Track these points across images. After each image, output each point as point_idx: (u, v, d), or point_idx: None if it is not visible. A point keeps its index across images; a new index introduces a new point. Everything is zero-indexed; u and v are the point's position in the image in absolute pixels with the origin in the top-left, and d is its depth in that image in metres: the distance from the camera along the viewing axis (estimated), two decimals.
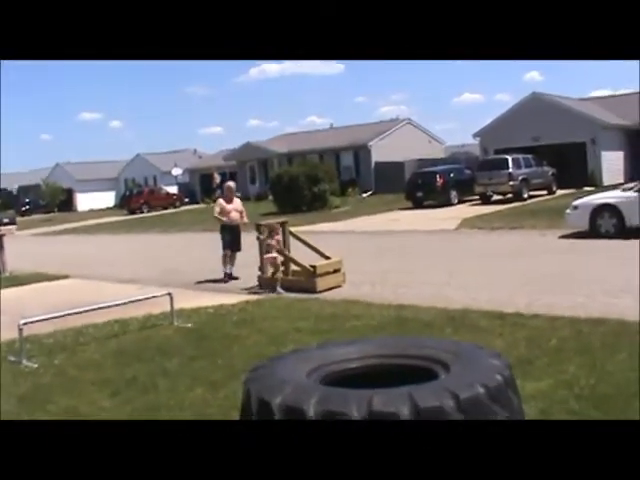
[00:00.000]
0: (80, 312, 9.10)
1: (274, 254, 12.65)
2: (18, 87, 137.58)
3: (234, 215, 14.36)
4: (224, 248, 14.28)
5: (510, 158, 31.61)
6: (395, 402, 3.48)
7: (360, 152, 49.35)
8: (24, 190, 74.29)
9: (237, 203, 14.76)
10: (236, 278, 14.00)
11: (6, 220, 18.66)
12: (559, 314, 8.77)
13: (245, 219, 14.72)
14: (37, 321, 8.57)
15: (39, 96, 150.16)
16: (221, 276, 14.22)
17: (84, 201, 71.43)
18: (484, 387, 3.67)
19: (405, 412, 3.44)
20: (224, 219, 14.25)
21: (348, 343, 4.87)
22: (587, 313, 8.73)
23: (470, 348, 4.43)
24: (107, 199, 71.91)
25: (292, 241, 13.66)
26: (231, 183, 15.43)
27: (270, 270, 12.75)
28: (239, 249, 14.47)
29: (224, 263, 14.26)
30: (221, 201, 14.73)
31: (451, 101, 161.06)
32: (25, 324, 8.21)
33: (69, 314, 9.01)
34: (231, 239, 14.23)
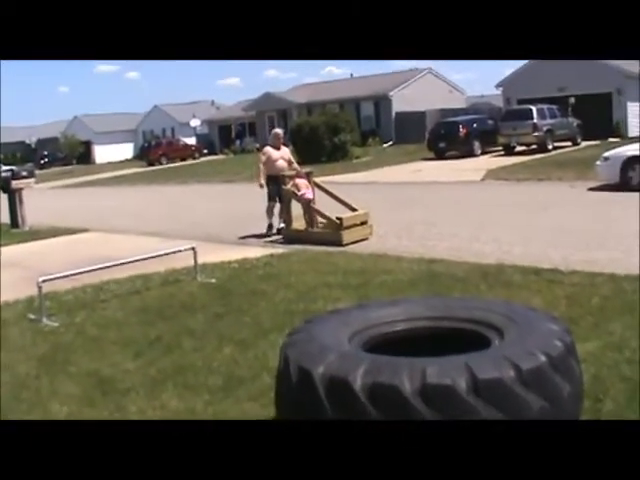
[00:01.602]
0: (101, 268, 8.80)
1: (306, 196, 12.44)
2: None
3: (281, 164, 13.37)
4: (270, 199, 13.41)
5: (535, 108, 30.96)
6: (451, 373, 3.20)
7: (381, 102, 48.88)
8: (42, 143, 74.06)
9: (285, 151, 13.76)
10: (279, 230, 13.26)
11: (24, 173, 18.29)
12: (597, 270, 8.39)
13: (296, 166, 13.82)
14: (57, 278, 8.28)
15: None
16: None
17: (102, 153, 71.32)
18: (546, 356, 3.36)
19: (462, 384, 3.15)
20: (262, 178, 13.38)
21: (390, 303, 4.57)
22: (626, 269, 8.33)
23: (523, 311, 4.11)
24: (125, 151, 71.77)
25: (317, 192, 13.28)
26: (279, 130, 14.38)
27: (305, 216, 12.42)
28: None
29: (269, 215, 13.44)
30: (269, 149, 13.57)
31: None
32: (44, 281, 7.92)
33: (89, 270, 8.70)
34: (278, 189, 13.13)
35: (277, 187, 13.11)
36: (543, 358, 3.33)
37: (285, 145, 14.04)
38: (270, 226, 13.40)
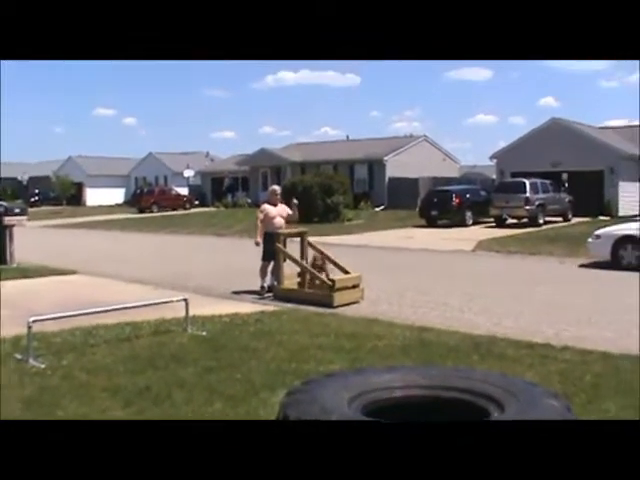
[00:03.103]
0: (92, 312, 8.75)
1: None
2: (35, 80, 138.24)
3: (278, 221, 13.19)
4: (264, 258, 13.10)
5: (528, 182, 31.28)
6: None
7: (375, 166, 49.26)
8: (34, 181, 74.08)
9: (282, 208, 13.53)
10: (269, 288, 13.05)
11: (17, 210, 18.31)
12: (589, 347, 8.42)
13: (293, 215, 13.60)
14: (48, 319, 8.21)
15: (54, 89, 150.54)
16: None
17: (94, 196, 71.49)
18: None
19: None
20: (259, 236, 13.04)
21: (388, 370, 4.55)
22: (618, 348, 8.40)
23: (523, 385, 4.09)
24: (117, 196, 71.84)
25: (309, 252, 13.30)
26: (276, 187, 14.20)
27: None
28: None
29: (263, 274, 13.14)
30: (266, 206, 13.35)
31: (464, 121, 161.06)
32: (35, 322, 7.85)
33: (81, 314, 8.65)
34: (274, 248, 12.78)
35: (273, 246, 12.78)
36: None
37: (282, 202, 13.94)
38: (262, 287, 13.09)
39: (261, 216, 13.21)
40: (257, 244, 13.08)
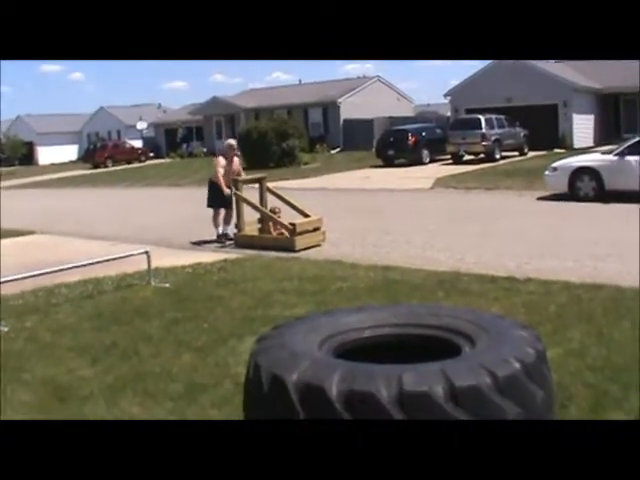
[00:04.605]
0: (53, 271, 8.60)
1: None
2: None
3: (221, 176, 13.03)
4: (209, 205, 13.30)
5: (483, 118, 31.25)
6: (428, 380, 3.15)
7: (329, 108, 48.97)
8: None
9: (236, 163, 13.56)
10: (231, 238, 13.01)
11: None
12: (552, 278, 8.49)
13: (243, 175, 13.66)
14: (8, 281, 8.05)
15: None
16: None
17: (46, 154, 70.16)
18: (520, 363, 3.35)
19: (439, 392, 3.11)
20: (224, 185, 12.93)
21: (358, 310, 4.52)
22: (579, 277, 8.49)
23: (491, 318, 4.10)
24: (69, 153, 70.68)
25: (269, 198, 13.21)
26: (232, 141, 14.02)
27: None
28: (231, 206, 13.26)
29: (215, 224, 13.25)
30: (221, 159, 13.18)
31: (417, 61, 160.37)
32: None
33: (41, 273, 8.49)
34: (222, 197, 12.94)
35: (218, 193, 12.95)
36: (517, 365, 3.32)
37: (237, 156, 13.79)
38: (219, 236, 13.17)
39: (222, 171, 13.04)
40: (227, 194, 12.93)
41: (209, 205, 13.37)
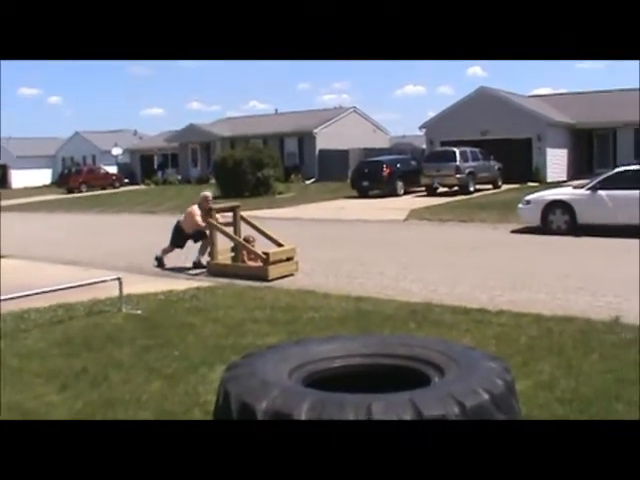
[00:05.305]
0: (23, 296, 8.52)
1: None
2: None
3: (202, 224, 13.25)
4: (172, 244, 13.73)
5: (458, 151, 31.52)
6: (396, 409, 3.15)
7: (305, 138, 49.21)
8: None
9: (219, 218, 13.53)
10: (204, 266, 13.00)
11: None
12: (523, 311, 8.56)
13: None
14: None
15: None
16: (174, 262, 13.70)
17: (19, 178, 69.82)
18: (489, 394, 3.36)
19: None
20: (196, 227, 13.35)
21: (328, 340, 4.52)
22: (551, 310, 8.57)
23: (462, 350, 4.12)
24: (44, 177, 70.41)
25: (242, 227, 13.22)
26: (208, 193, 14.02)
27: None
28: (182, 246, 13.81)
29: (163, 252, 13.73)
30: (196, 209, 13.39)
31: (393, 93, 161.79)
32: None
33: (10, 298, 8.42)
34: (183, 240, 13.67)
35: (181, 237, 13.65)
36: (486, 396, 3.33)
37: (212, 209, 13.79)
38: (158, 261, 13.69)
39: (199, 220, 13.22)
40: (205, 227, 13.11)
41: (170, 243, 13.78)
